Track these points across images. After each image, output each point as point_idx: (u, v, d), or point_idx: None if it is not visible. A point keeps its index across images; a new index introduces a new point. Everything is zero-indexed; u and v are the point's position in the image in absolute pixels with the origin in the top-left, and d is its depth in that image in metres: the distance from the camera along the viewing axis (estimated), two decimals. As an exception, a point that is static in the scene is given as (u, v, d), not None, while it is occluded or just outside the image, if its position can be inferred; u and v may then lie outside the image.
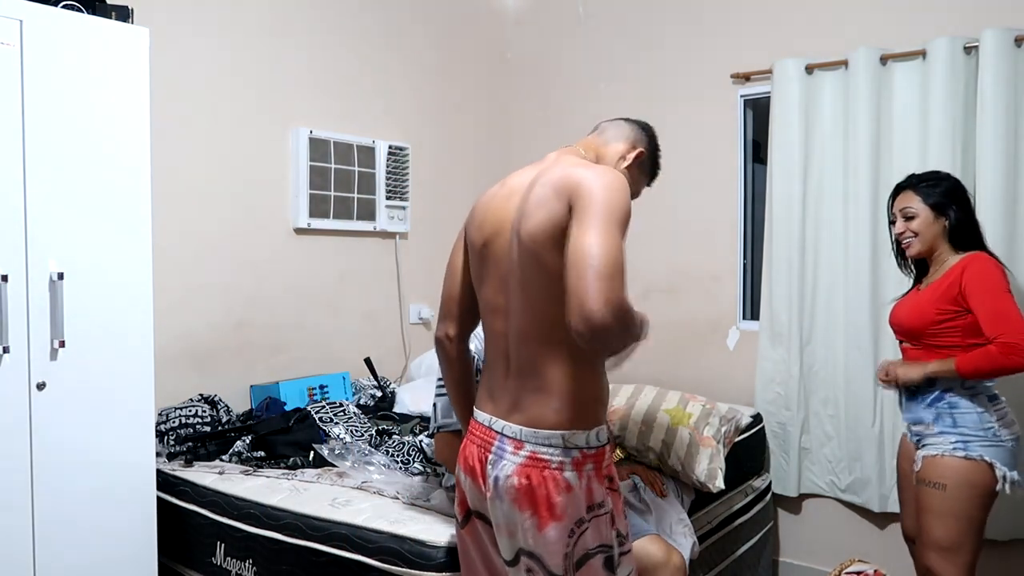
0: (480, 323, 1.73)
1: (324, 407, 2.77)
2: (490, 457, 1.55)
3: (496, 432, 1.56)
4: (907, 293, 2.42)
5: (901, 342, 2.37)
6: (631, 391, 2.79)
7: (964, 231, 2.25)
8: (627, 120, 1.84)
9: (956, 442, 2.15)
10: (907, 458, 2.36)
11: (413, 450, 2.52)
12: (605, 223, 1.38)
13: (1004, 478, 2.11)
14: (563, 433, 1.51)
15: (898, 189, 2.37)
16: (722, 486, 2.51)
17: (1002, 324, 2.06)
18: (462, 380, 1.80)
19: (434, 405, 2.10)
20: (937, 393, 2.21)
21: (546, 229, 1.47)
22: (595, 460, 1.54)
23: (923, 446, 2.24)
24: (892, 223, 2.37)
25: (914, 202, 2.28)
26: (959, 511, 2.14)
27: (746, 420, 2.72)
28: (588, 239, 1.37)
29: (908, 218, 2.28)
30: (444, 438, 2.03)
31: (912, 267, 2.43)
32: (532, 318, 1.54)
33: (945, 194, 2.26)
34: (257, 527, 2.11)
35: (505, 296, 1.59)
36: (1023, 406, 2.62)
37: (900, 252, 2.42)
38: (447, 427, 2.02)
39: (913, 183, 2.32)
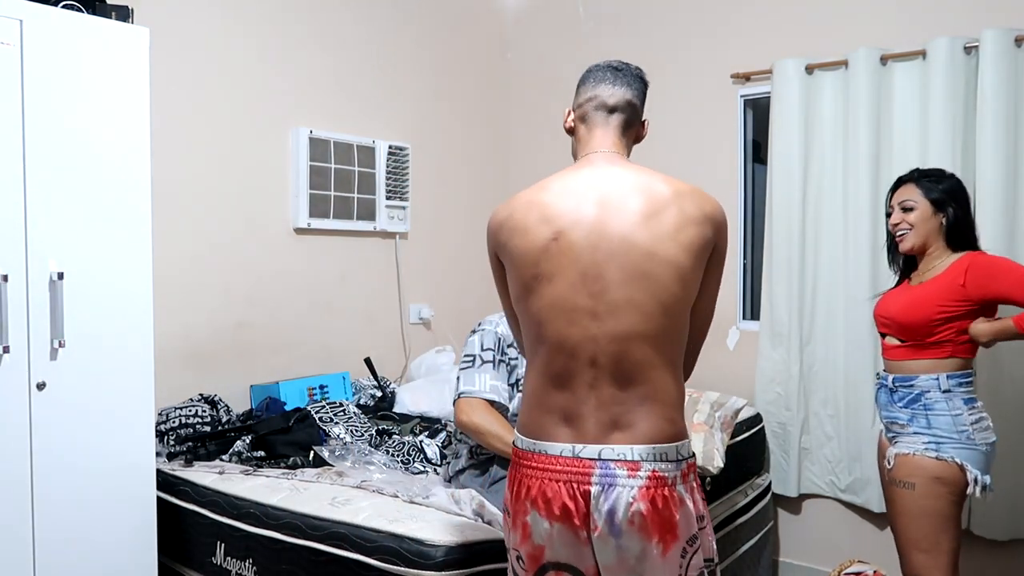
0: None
1: (324, 407, 2.77)
2: (593, 490, 1.35)
3: (591, 460, 1.36)
4: (895, 287, 2.40)
5: (883, 335, 2.34)
6: None
7: (960, 231, 2.24)
8: (631, 83, 1.58)
9: (928, 442, 2.15)
10: (883, 456, 2.35)
11: (413, 450, 2.53)
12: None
13: (975, 481, 2.10)
14: (676, 444, 1.39)
15: (899, 182, 2.35)
16: (721, 465, 2.49)
17: None
18: None
19: (457, 378, 2.14)
20: (914, 394, 2.20)
21: (697, 246, 1.42)
22: (694, 469, 1.44)
23: (896, 443, 2.23)
24: (889, 215, 2.35)
25: (914, 195, 2.26)
26: (931, 509, 2.13)
27: (741, 403, 2.70)
28: (713, 309, 1.55)
29: (906, 210, 2.26)
30: (469, 402, 2.05)
31: (900, 263, 2.41)
32: (644, 319, 1.39)
33: (946, 191, 2.25)
34: (257, 527, 2.11)
35: (593, 294, 1.40)
36: (1009, 413, 2.64)
37: (892, 246, 2.39)
38: (470, 394, 2.04)
39: (915, 177, 2.30)
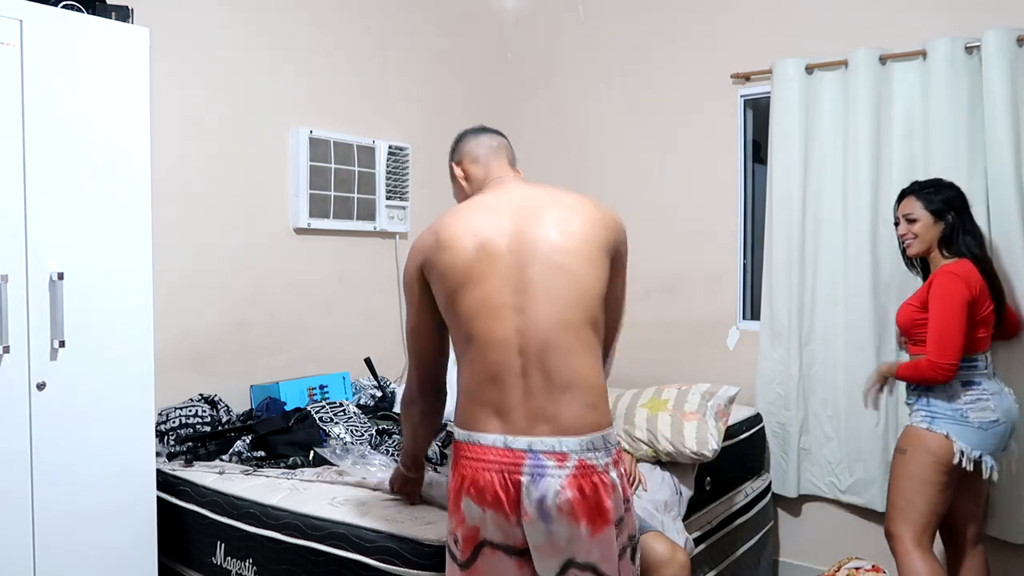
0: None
1: (324, 407, 2.77)
2: (523, 479, 1.45)
3: (522, 451, 1.46)
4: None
5: None
6: (612, 401, 2.78)
7: (957, 237, 2.45)
8: (503, 136, 1.86)
9: (924, 416, 2.41)
10: None
11: (413, 450, 2.52)
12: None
13: (961, 452, 2.33)
14: (603, 433, 1.49)
15: (903, 194, 2.57)
16: (716, 447, 2.49)
17: (937, 347, 2.34)
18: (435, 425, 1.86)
19: None
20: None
21: (603, 244, 1.58)
22: (620, 455, 1.55)
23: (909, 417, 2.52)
24: (897, 224, 2.58)
25: (916, 207, 2.49)
26: (912, 472, 2.39)
27: (732, 391, 2.70)
28: (620, 313, 1.69)
29: (911, 221, 2.50)
30: None
31: (919, 267, 2.64)
32: (564, 307, 1.51)
33: (945, 201, 2.47)
34: (257, 527, 2.11)
35: (516, 291, 1.53)
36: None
37: (905, 252, 2.62)
38: None
39: (916, 189, 2.54)
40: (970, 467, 2.33)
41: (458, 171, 1.83)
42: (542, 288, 1.52)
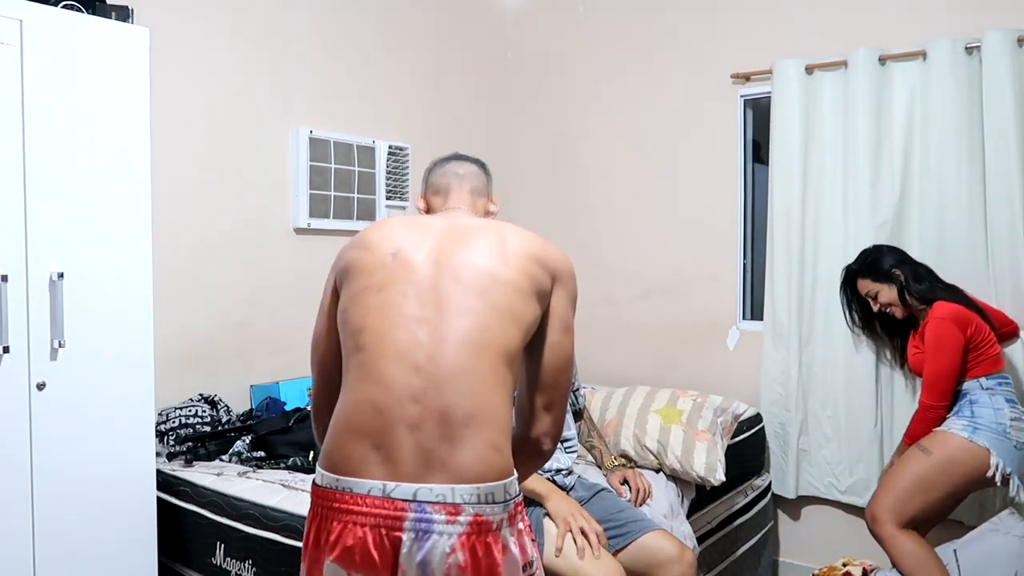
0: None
1: (324, 407, 2.76)
2: (405, 537, 1.19)
3: (405, 502, 1.20)
4: (912, 337, 2.69)
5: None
6: (622, 396, 2.78)
7: (916, 284, 2.58)
8: (476, 163, 1.71)
9: (967, 426, 2.38)
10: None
11: (413, 450, 2.52)
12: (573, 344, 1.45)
13: (996, 466, 2.31)
14: (504, 482, 1.25)
15: (847, 283, 2.79)
16: (722, 478, 2.50)
17: (927, 391, 2.46)
18: None
19: None
20: (959, 394, 2.47)
21: (536, 282, 1.39)
22: (520, 508, 1.29)
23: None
24: (849, 304, 2.82)
25: (868, 285, 2.68)
26: (922, 475, 2.39)
27: (743, 408, 2.71)
28: (570, 355, 1.43)
29: (874, 298, 2.66)
30: None
31: (880, 328, 2.82)
32: (479, 330, 1.30)
33: (886, 264, 2.64)
34: (257, 527, 2.11)
35: (424, 303, 1.33)
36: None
37: (866, 323, 2.84)
38: None
39: (856, 270, 2.73)
40: (999, 482, 2.33)
41: (420, 204, 1.69)
42: (457, 305, 1.31)
